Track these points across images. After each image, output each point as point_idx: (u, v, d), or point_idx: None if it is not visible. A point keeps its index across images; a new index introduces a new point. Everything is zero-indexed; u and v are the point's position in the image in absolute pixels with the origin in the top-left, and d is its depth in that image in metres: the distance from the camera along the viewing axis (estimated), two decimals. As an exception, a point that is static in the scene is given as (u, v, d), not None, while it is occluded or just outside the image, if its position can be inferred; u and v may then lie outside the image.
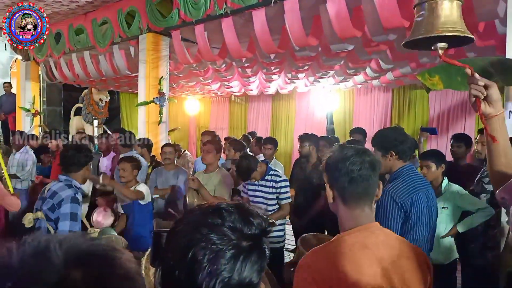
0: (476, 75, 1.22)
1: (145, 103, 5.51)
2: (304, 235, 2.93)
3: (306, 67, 6.31)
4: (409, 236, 2.19)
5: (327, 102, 8.91)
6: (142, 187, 3.65)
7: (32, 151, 5.59)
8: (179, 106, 11.44)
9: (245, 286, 0.74)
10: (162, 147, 4.42)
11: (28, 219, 2.73)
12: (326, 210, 4.11)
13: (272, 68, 6.49)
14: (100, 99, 8.89)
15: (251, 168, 3.44)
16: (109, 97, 9.19)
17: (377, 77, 6.69)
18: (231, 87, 8.53)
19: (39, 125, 8.23)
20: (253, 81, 7.80)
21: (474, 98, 1.26)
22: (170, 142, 6.93)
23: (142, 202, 3.54)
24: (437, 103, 7.34)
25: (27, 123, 8.01)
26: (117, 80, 7.78)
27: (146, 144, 4.88)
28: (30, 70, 8.16)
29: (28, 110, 8.04)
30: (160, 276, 0.78)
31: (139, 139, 4.98)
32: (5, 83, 9.35)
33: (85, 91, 9.05)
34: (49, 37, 7.20)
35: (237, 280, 0.73)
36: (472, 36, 1.25)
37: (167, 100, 5.62)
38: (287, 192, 3.53)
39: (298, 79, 7.20)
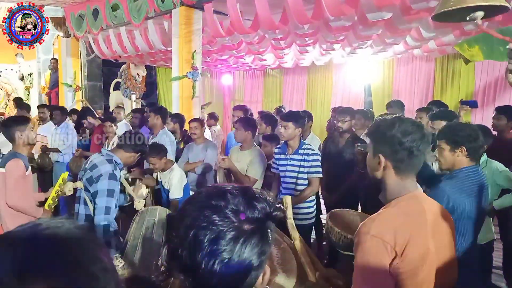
0: None
1: (178, 78, 5.56)
2: (333, 210, 2.89)
3: (341, 38, 6.07)
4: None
5: (365, 74, 8.59)
6: (178, 177, 3.59)
7: (73, 125, 5.84)
8: (213, 80, 11.46)
9: (244, 268, 0.75)
10: (189, 122, 4.46)
11: (68, 188, 2.91)
12: (359, 186, 4.02)
13: (306, 39, 6.31)
14: (137, 74, 9.06)
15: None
16: (146, 72, 9.35)
17: (418, 46, 6.34)
18: (265, 60, 8.40)
19: (80, 100, 8.56)
20: (287, 53, 7.63)
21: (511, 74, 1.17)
22: (204, 116, 7.01)
23: (170, 195, 3.55)
24: (484, 73, 6.87)
25: (69, 98, 8.35)
26: (152, 55, 7.88)
27: (179, 120, 4.95)
28: (70, 46, 8.43)
29: (70, 86, 8.36)
30: (166, 254, 0.80)
31: (171, 114, 5.05)
32: (52, 59, 9.72)
33: (123, 66, 9.25)
34: (87, 13, 7.37)
35: (236, 262, 0.74)
36: (507, 5, 1.13)
37: (200, 75, 5.64)
38: (318, 166, 3.42)
39: (334, 50, 6.96)
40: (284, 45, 6.76)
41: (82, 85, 8.85)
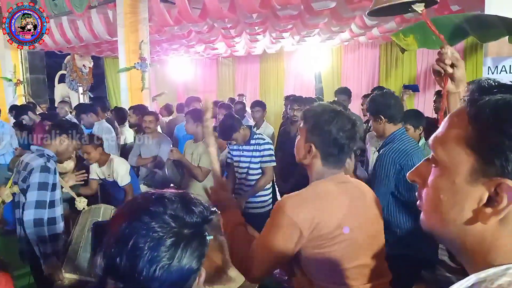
0: (451, 49, 1.22)
1: (126, 69, 5.40)
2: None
3: (290, 26, 6.16)
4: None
5: (315, 61, 8.78)
6: (121, 165, 3.53)
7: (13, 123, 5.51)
8: (166, 70, 11.23)
9: (185, 272, 0.76)
10: (143, 115, 4.34)
11: (6, 194, 2.63)
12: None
13: (256, 28, 6.34)
14: (83, 65, 8.68)
15: (233, 127, 3.32)
16: (92, 63, 8.98)
17: (363, 33, 6.57)
18: (217, 49, 8.35)
19: (22, 95, 8.09)
20: (238, 41, 7.63)
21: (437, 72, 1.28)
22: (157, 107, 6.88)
23: (121, 183, 3.47)
24: (424, 58, 7.25)
25: (9, 93, 7.86)
26: (98, 45, 7.59)
27: (141, 112, 4.74)
28: (8, 38, 7.90)
29: (10, 80, 7.86)
30: (103, 263, 0.78)
31: (132, 107, 4.90)
32: None
33: (68, 57, 8.83)
34: (25, 2, 6.94)
35: (177, 267, 0.75)
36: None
37: (149, 65, 5.51)
38: (270, 155, 3.45)
39: (283, 38, 7.05)
40: (234, 34, 6.75)
41: (23, 78, 8.34)
